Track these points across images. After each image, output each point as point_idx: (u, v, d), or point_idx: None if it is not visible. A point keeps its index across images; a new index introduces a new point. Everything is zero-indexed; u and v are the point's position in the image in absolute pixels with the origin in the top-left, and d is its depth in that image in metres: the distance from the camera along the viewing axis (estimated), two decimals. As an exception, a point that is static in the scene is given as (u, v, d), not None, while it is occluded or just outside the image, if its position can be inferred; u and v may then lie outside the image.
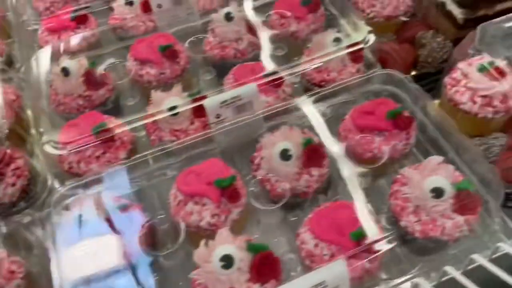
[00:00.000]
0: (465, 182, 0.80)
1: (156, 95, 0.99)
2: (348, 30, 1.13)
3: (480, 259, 0.81)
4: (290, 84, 1.09)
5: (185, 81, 1.15)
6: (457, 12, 1.15)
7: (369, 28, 1.05)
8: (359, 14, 1.23)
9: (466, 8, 1.14)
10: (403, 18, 1.22)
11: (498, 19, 0.98)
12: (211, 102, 0.94)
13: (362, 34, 1.05)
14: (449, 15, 1.18)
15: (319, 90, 1.02)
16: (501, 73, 0.94)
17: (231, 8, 1.16)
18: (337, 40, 1.06)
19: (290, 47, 1.20)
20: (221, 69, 1.16)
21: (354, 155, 0.94)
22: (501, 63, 0.96)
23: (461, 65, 0.99)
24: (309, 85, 1.11)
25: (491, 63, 0.95)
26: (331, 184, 0.95)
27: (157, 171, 0.95)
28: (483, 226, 0.85)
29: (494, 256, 0.84)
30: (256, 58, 1.18)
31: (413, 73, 1.20)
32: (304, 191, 0.89)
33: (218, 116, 0.96)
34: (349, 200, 0.88)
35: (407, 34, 1.23)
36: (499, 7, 1.17)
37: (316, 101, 1.03)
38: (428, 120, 0.96)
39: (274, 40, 1.22)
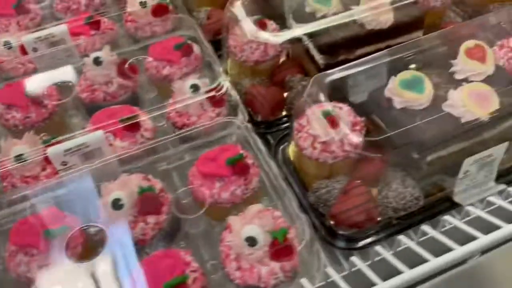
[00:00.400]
0: (280, 230, 0.84)
1: (5, 142, 1.00)
2: (214, 75, 1.18)
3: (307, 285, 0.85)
4: (152, 128, 1.11)
5: (53, 124, 1.17)
6: (318, 58, 1.20)
7: (224, 75, 1.09)
8: (233, 58, 1.28)
9: (325, 54, 1.20)
10: (272, 62, 1.26)
11: (331, 70, 1.03)
12: (54, 150, 0.96)
13: (217, 80, 1.09)
14: (313, 60, 1.23)
15: (177, 133, 1.05)
16: (338, 121, 0.98)
17: (100, 53, 1.18)
18: (193, 86, 1.10)
19: (162, 90, 1.23)
20: (91, 112, 1.17)
21: (197, 201, 0.97)
22: (340, 111, 1.01)
23: (308, 111, 1.04)
24: (173, 129, 1.14)
25: (330, 111, 0.99)
26: (179, 230, 0.98)
27: (3, 219, 0.96)
28: (312, 268, 0.88)
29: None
30: (129, 101, 1.21)
31: (284, 113, 1.25)
32: (141, 239, 0.91)
33: (64, 163, 0.97)
34: (190, 246, 0.91)
35: (278, 77, 1.28)
36: (359, 51, 1.23)
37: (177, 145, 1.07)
38: (270, 165, 1.00)
39: (147, 83, 1.26)
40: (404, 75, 1.01)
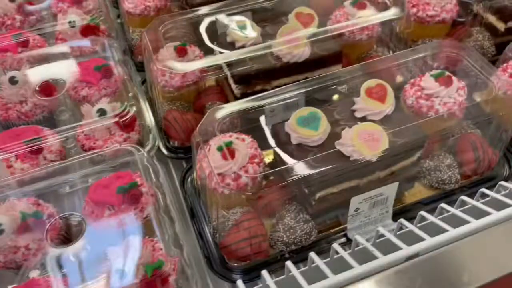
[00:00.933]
0: (155, 263, 0.84)
1: None
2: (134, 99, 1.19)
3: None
4: (57, 150, 1.11)
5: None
6: (234, 87, 1.22)
7: (132, 100, 1.10)
8: (155, 82, 1.29)
9: (240, 84, 1.21)
10: (193, 88, 1.27)
11: (228, 104, 1.05)
12: None
13: (123, 105, 1.10)
14: (230, 89, 1.25)
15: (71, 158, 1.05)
16: (234, 153, 0.99)
17: (16, 72, 1.19)
18: (100, 110, 1.10)
19: (80, 112, 1.23)
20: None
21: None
22: (242, 143, 1.02)
23: (212, 141, 1.05)
24: (82, 151, 1.14)
25: (227, 143, 1.00)
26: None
27: None
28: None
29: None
30: (44, 121, 1.21)
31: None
32: (24, 264, 0.90)
33: (-44, 184, 0.97)
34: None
35: (199, 103, 1.29)
36: (276, 83, 1.25)
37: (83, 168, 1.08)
38: (166, 194, 1.01)
39: (66, 103, 1.27)
40: (302, 111, 1.02)
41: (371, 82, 1.07)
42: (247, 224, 0.98)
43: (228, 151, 0.99)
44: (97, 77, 1.24)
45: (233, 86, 1.22)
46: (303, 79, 1.26)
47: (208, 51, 1.31)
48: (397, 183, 1.00)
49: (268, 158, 1.05)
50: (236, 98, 1.23)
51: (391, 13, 1.28)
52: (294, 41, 1.20)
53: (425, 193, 1.12)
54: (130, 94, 1.13)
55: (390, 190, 1.00)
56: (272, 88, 1.23)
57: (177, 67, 1.11)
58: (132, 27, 1.53)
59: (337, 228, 1.05)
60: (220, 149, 0.99)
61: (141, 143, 1.19)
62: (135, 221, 0.94)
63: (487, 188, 1.12)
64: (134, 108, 1.10)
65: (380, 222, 1.05)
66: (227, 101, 1.29)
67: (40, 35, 1.44)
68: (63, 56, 1.37)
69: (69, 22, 1.37)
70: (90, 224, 0.94)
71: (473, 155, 1.12)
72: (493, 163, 1.14)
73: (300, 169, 0.96)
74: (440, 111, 1.09)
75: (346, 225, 1.04)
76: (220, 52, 1.26)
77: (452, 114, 1.09)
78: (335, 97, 1.13)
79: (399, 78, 1.22)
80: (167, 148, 1.24)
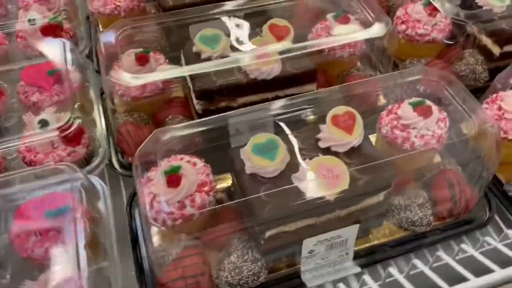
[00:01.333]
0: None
1: None
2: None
3: None
4: None
5: None
6: (195, 103, 1.12)
7: (76, 113, 1.01)
8: (114, 90, 1.19)
9: (201, 99, 1.11)
10: (154, 99, 1.18)
11: (175, 126, 0.95)
12: None
13: (67, 117, 1.01)
14: (193, 105, 1.15)
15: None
16: (180, 180, 0.90)
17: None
18: (41, 121, 1.01)
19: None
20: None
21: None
22: (192, 168, 0.92)
23: (161, 163, 0.95)
24: (23, 163, 1.05)
25: (176, 168, 0.90)
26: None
27: None
28: None
29: None
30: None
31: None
32: None
33: None
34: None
35: (159, 116, 1.20)
36: (242, 100, 1.15)
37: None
38: (104, 220, 0.91)
39: (14, 108, 1.18)
40: (260, 138, 0.92)
41: (339, 110, 0.96)
42: (185, 261, 0.88)
43: (174, 177, 0.89)
44: (50, 82, 1.15)
45: (195, 101, 1.12)
46: (273, 98, 1.17)
47: (175, 60, 1.22)
48: (357, 226, 0.90)
49: (222, 185, 0.96)
50: (198, 114, 1.13)
51: (372, 31, 1.17)
52: (263, 56, 1.10)
53: (394, 233, 1.02)
54: (76, 105, 1.03)
55: (349, 232, 0.90)
56: (238, 106, 1.14)
57: (126, 79, 1.01)
58: (103, 27, 1.43)
59: (291, 269, 0.95)
60: (164, 174, 0.89)
61: (89, 158, 1.10)
62: (60, 252, 0.85)
63: (464, 232, 1.03)
64: (79, 121, 1.01)
65: (339, 264, 0.96)
66: (190, 115, 1.19)
67: (2, 32, 1.36)
68: (17, 56, 1.28)
69: (29, 20, 1.28)
70: (12, 251, 0.85)
71: (448, 193, 1.01)
72: (472, 204, 1.04)
73: (249, 204, 0.86)
74: (416, 144, 0.99)
75: (298, 267, 0.94)
76: (186, 63, 1.17)
77: (428, 148, 0.99)
78: (302, 122, 1.03)
79: (375, 104, 1.12)
80: (120, 164, 1.14)
